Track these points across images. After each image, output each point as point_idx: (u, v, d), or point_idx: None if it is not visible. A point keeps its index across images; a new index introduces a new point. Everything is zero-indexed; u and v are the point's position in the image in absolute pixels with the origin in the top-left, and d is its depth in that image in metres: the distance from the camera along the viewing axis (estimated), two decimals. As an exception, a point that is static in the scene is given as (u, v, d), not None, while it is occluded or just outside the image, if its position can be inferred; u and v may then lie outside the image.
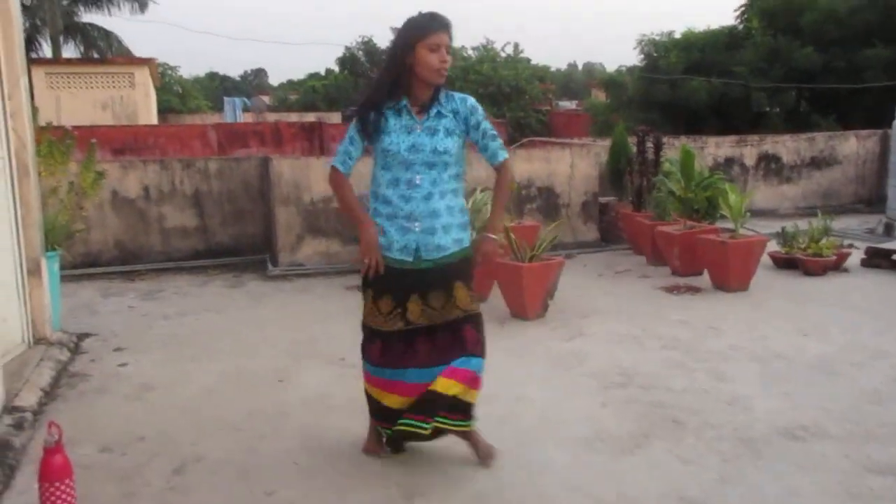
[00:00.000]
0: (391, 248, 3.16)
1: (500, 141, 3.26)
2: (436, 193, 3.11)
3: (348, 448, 3.46)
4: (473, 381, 3.19)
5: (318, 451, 3.46)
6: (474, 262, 3.28)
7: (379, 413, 3.32)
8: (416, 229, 3.11)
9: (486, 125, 3.20)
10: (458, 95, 3.19)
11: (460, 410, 3.21)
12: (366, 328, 3.31)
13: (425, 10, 3.12)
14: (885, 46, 13.76)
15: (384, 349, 3.23)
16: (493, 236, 3.30)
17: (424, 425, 3.18)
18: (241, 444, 3.54)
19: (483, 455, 3.28)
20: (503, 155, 3.24)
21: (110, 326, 5.60)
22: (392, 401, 3.23)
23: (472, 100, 3.20)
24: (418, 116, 3.11)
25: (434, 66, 3.03)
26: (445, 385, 3.13)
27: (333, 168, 3.26)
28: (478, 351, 3.22)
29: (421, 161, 3.09)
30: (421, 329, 3.18)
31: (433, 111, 3.11)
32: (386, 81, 3.12)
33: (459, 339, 3.18)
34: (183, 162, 7.98)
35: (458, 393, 3.15)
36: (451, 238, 3.15)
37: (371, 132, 3.14)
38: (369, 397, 3.35)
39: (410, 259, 3.14)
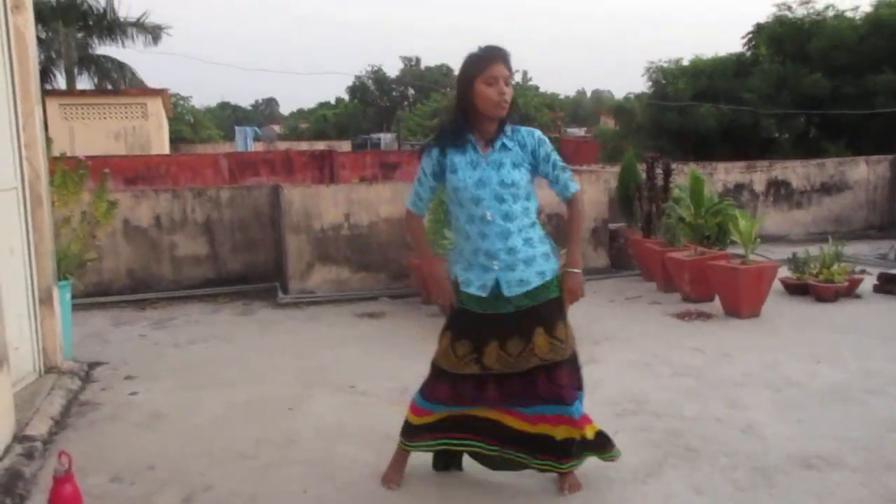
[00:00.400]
0: (470, 284, 3.13)
1: (569, 172, 3.23)
2: (513, 230, 3.07)
3: (358, 477, 3.44)
4: (570, 422, 3.16)
5: (328, 479, 3.44)
6: (560, 301, 3.20)
7: (417, 429, 3.30)
8: (496, 267, 3.08)
9: (556, 157, 3.17)
10: (524, 129, 3.16)
11: (558, 450, 3.18)
12: (435, 368, 3.27)
13: (483, 44, 3.13)
14: (894, 72, 13.78)
15: (452, 390, 3.21)
16: (576, 270, 3.19)
17: (490, 448, 3.22)
18: (250, 473, 3.52)
19: (568, 486, 3.24)
20: (574, 187, 3.21)
21: (121, 355, 5.61)
22: (433, 417, 3.25)
23: (538, 132, 3.19)
24: (483, 150, 3.10)
25: (493, 100, 3.01)
26: (538, 426, 3.17)
27: (407, 210, 3.31)
28: (566, 397, 3.16)
29: (490, 195, 3.05)
30: (494, 375, 3.16)
31: (498, 144, 3.09)
32: (453, 119, 3.14)
33: (532, 386, 3.16)
34: (194, 191, 8.04)
35: (550, 432, 3.16)
36: (533, 271, 3.10)
37: (437, 171, 3.16)
38: (409, 425, 3.31)
39: (485, 295, 3.10)
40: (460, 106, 3.10)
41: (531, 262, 3.10)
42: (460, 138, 3.10)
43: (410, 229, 3.37)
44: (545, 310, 3.13)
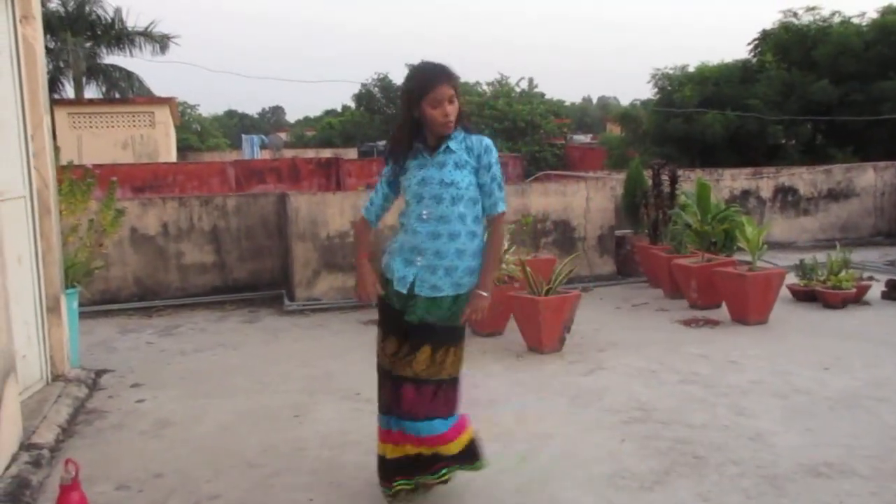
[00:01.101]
0: (390, 271, 3.21)
1: (504, 193, 3.23)
2: (444, 234, 3.09)
3: (364, 485, 3.43)
4: (415, 441, 3.14)
5: (334, 487, 3.43)
6: (458, 331, 3.21)
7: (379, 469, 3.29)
8: (417, 263, 3.12)
9: (497, 171, 3.18)
10: (475, 136, 3.19)
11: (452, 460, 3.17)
12: (378, 369, 3.33)
13: (425, 62, 3.15)
14: (901, 79, 13.77)
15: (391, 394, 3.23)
16: (485, 294, 3.16)
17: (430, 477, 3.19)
18: (256, 481, 3.52)
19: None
20: (502, 207, 3.20)
21: (128, 363, 5.62)
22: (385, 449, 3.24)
23: (488, 141, 3.20)
24: (431, 155, 3.14)
25: (438, 121, 3.06)
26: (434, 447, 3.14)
27: (360, 214, 3.45)
28: (419, 414, 3.13)
29: (430, 194, 3.09)
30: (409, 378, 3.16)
31: (442, 147, 3.12)
32: (400, 135, 3.20)
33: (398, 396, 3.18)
34: (201, 199, 8.06)
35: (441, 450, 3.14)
36: (450, 281, 3.12)
37: (391, 179, 3.27)
38: (382, 460, 3.29)
39: (404, 291, 3.13)
40: (408, 125, 3.14)
41: (452, 272, 3.11)
42: (411, 148, 3.16)
43: (355, 230, 3.47)
44: (441, 334, 3.15)
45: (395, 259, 3.19)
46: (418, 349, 3.12)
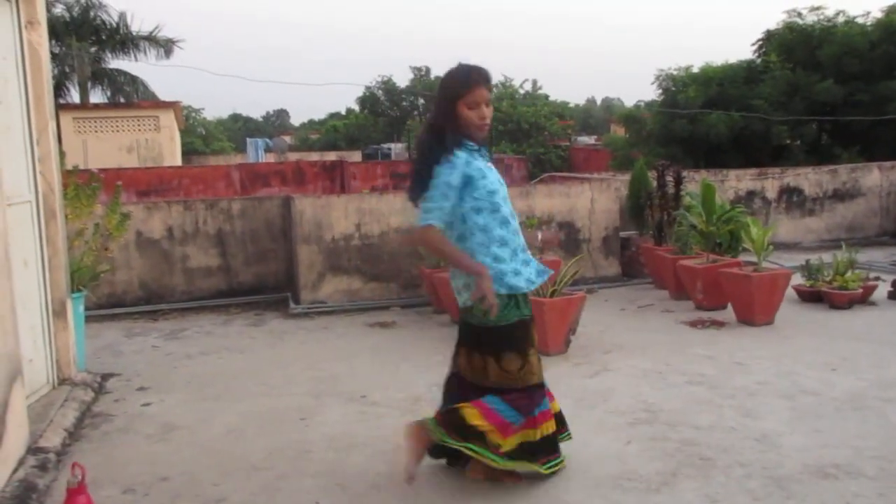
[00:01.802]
0: (523, 276, 3.24)
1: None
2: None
3: (370, 487, 3.43)
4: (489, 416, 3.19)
5: (340, 490, 3.43)
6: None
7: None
8: (531, 258, 3.29)
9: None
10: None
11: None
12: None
13: (464, 61, 3.14)
14: (906, 78, 13.75)
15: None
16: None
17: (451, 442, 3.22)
18: (262, 485, 3.52)
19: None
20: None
21: (134, 366, 5.63)
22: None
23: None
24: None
25: (475, 123, 3.04)
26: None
27: (429, 226, 3.08)
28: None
29: (503, 194, 3.22)
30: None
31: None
32: (449, 131, 3.11)
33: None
34: (206, 202, 8.08)
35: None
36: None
37: (461, 183, 3.09)
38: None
39: (532, 288, 3.26)
40: (441, 128, 3.11)
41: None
42: (468, 147, 3.13)
43: (439, 243, 3.13)
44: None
45: (524, 266, 3.23)
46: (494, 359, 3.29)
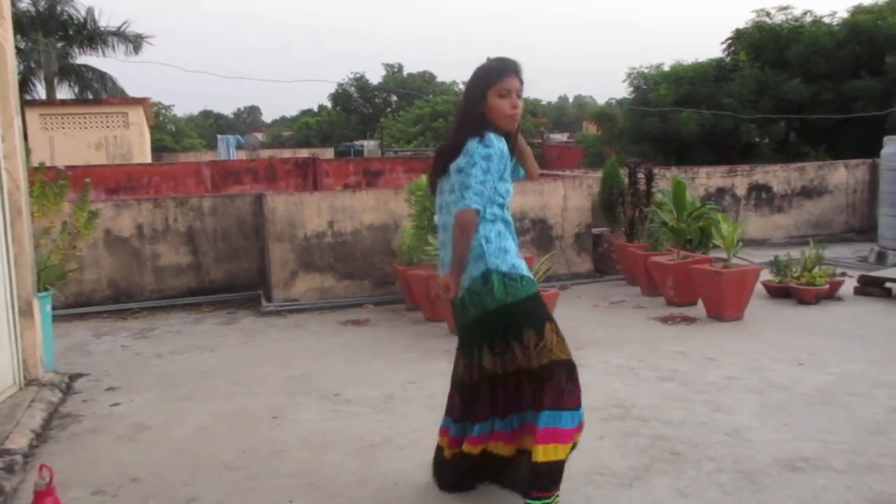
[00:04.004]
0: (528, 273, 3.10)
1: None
2: None
3: (344, 486, 3.42)
4: (543, 437, 2.92)
5: (314, 489, 3.41)
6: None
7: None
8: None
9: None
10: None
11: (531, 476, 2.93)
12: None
13: (494, 55, 3.10)
14: (872, 78, 13.97)
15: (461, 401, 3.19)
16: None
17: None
18: (235, 485, 3.49)
19: None
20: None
21: (103, 366, 5.55)
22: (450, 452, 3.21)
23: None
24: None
25: (506, 112, 2.98)
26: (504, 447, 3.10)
27: (475, 211, 2.91)
28: (555, 404, 2.98)
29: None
30: (486, 381, 3.08)
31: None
32: (477, 122, 3.00)
33: (519, 394, 3.07)
34: (176, 200, 7.99)
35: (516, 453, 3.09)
36: None
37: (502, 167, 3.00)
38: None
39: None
40: (468, 120, 3.01)
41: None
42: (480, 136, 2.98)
43: (470, 232, 2.91)
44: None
45: (518, 255, 3.07)
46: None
